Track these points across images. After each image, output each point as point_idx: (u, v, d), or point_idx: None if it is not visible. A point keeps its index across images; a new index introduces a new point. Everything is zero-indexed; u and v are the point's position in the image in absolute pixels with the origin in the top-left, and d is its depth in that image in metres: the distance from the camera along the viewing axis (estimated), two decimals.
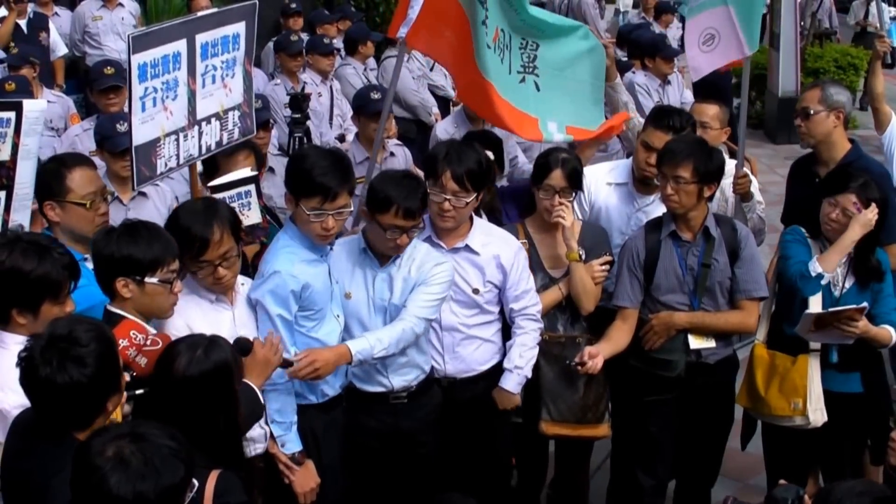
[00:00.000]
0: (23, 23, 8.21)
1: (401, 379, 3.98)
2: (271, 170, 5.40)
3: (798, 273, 4.20)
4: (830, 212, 4.22)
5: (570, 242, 4.23)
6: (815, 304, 4.19)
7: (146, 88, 3.77)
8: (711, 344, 4.26)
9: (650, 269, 4.22)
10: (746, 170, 5.07)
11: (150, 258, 3.17)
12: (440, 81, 9.02)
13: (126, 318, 3.17)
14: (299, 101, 6.71)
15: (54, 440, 2.62)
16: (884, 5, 9.27)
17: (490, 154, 4.48)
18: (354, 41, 8.53)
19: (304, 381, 3.73)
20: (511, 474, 4.62)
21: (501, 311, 4.23)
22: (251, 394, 3.26)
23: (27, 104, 3.65)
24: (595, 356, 4.07)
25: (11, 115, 3.55)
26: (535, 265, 4.31)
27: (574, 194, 4.32)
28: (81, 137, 5.73)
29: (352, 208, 3.70)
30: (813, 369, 4.26)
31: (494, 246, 4.11)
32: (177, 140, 4.01)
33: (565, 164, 4.24)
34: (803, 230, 4.37)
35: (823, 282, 4.19)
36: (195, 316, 3.47)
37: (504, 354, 4.22)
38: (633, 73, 8.28)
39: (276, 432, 3.67)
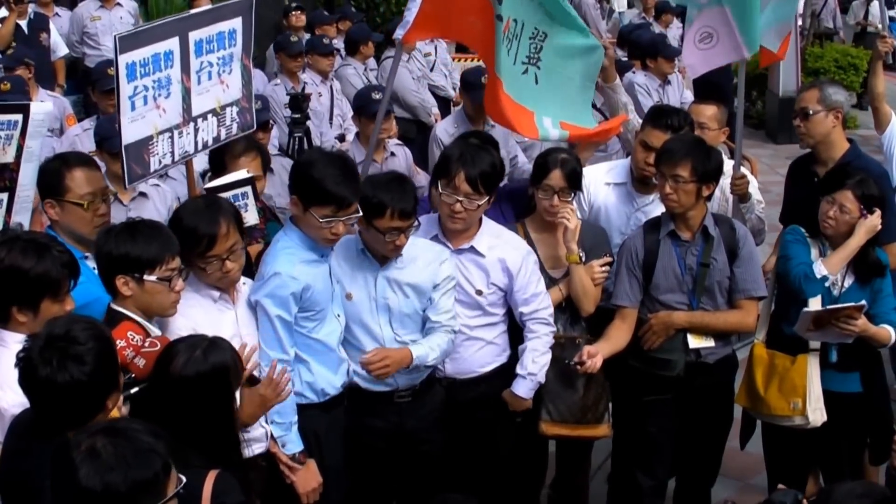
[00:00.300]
0: (23, 23, 8.21)
1: (405, 377, 3.98)
2: (271, 170, 5.40)
3: (802, 274, 4.21)
4: (828, 210, 4.23)
5: (570, 244, 4.23)
6: (815, 304, 4.20)
7: (135, 87, 3.78)
8: (710, 343, 4.26)
9: (649, 268, 4.22)
10: (745, 170, 5.07)
11: (148, 256, 3.18)
12: (440, 81, 9.04)
13: (123, 320, 3.17)
14: (299, 102, 6.72)
15: (52, 440, 2.61)
16: (884, 5, 9.28)
17: None
18: (355, 41, 8.54)
19: (304, 381, 3.77)
20: (514, 475, 4.62)
21: (509, 313, 4.23)
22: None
23: (34, 107, 3.67)
24: (594, 356, 4.07)
25: (19, 117, 3.57)
26: None
27: (573, 195, 4.32)
28: (81, 138, 5.72)
29: (360, 213, 3.72)
30: (812, 369, 4.26)
31: (501, 249, 4.11)
32: (171, 137, 4.03)
33: (564, 164, 4.24)
34: (802, 230, 4.38)
35: (827, 284, 4.20)
36: (199, 316, 3.48)
37: (508, 357, 4.23)
38: (633, 73, 8.28)
39: (275, 433, 3.67)
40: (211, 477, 2.77)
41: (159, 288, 3.21)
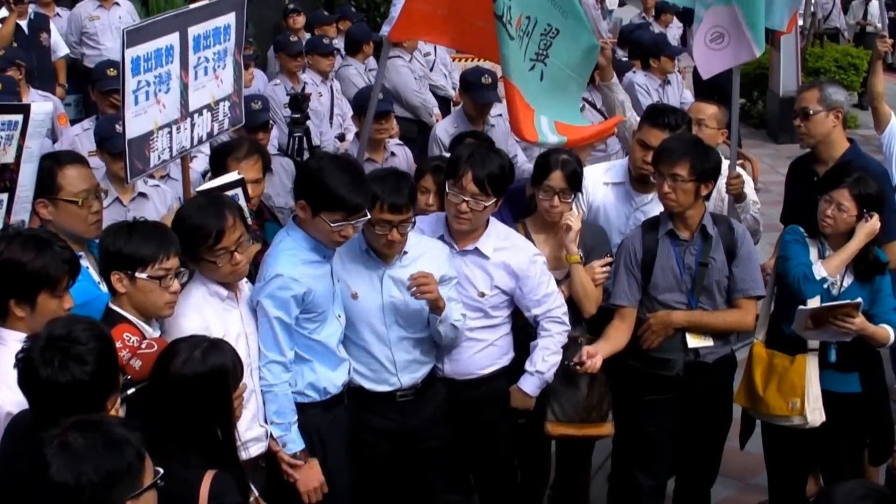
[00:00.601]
0: (23, 23, 8.21)
1: (409, 377, 3.99)
2: (270, 170, 5.40)
3: (801, 275, 4.21)
4: (826, 209, 4.23)
5: (571, 245, 4.23)
6: (813, 304, 4.20)
7: (139, 82, 3.80)
8: (709, 343, 4.26)
9: (648, 267, 4.22)
10: (740, 170, 5.08)
11: (141, 253, 3.19)
12: (440, 81, 9.03)
13: (120, 322, 3.18)
14: (299, 102, 6.72)
15: None
16: (883, 4, 9.27)
17: None
18: (356, 41, 8.54)
19: (307, 380, 3.78)
20: (515, 475, 4.62)
21: (513, 315, 4.23)
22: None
23: (35, 107, 3.67)
24: (593, 356, 4.07)
25: (19, 118, 3.57)
26: None
27: (573, 195, 4.32)
28: (81, 138, 5.73)
29: (369, 216, 3.73)
30: (811, 369, 4.26)
31: (508, 252, 4.11)
32: (170, 133, 4.05)
33: (565, 165, 4.24)
34: (802, 229, 4.38)
35: (826, 285, 4.20)
36: (210, 315, 3.49)
37: (512, 360, 4.23)
38: (634, 73, 8.29)
39: (275, 434, 3.68)
40: (208, 477, 2.77)
41: (151, 286, 3.22)
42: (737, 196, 4.95)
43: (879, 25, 6.81)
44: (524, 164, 5.95)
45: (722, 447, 4.52)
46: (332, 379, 3.85)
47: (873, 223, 4.19)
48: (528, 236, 4.35)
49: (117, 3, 9.03)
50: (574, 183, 4.26)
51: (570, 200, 4.27)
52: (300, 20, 9.37)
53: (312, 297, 3.70)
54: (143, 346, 3.09)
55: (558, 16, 4.66)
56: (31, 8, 8.50)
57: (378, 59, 8.71)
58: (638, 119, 5.12)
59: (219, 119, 4.36)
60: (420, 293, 3.78)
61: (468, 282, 4.08)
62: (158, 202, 4.88)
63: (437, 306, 3.86)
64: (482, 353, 4.17)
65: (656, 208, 4.40)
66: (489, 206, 4.01)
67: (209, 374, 2.90)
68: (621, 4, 15.22)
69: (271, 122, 6.14)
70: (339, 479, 3.87)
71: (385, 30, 4.90)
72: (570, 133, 4.73)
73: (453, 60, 9.72)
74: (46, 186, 3.72)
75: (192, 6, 4.17)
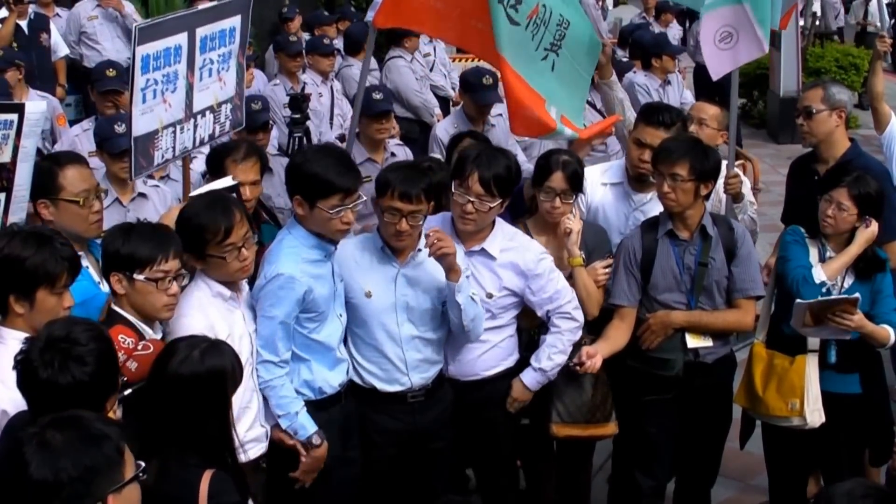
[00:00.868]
0: (23, 23, 8.20)
1: (419, 376, 3.99)
2: (270, 170, 5.40)
3: (800, 277, 4.21)
4: (826, 209, 4.23)
5: (573, 248, 4.22)
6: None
7: (147, 80, 3.82)
8: (709, 343, 4.25)
9: (647, 267, 4.21)
10: (738, 170, 5.07)
11: (139, 255, 3.20)
12: (440, 81, 9.04)
13: (117, 324, 3.18)
14: (299, 102, 6.71)
15: None
16: (883, 4, 9.25)
17: None
18: (356, 41, 8.54)
19: (303, 378, 3.78)
20: (517, 476, 4.61)
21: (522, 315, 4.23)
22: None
23: (29, 106, 3.67)
24: (593, 356, 4.07)
25: (14, 116, 3.57)
26: None
27: (575, 196, 4.31)
28: (80, 138, 5.72)
29: (364, 198, 3.78)
30: (811, 370, 4.25)
31: (515, 252, 4.10)
32: (174, 132, 4.06)
33: (566, 165, 4.23)
34: (802, 230, 4.37)
35: (824, 289, 4.20)
36: (215, 315, 3.50)
37: (517, 361, 4.23)
38: (634, 73, 8.28)
39: (283, 425, 3.68)
40: (207, 476, 2.77)
41: (149, 288, 3.22)
42: (735, 196, 4.94)
43: (879, 24, 6.81)
44: (524, 164, 5.93)
45: (722, 448, 4.52)
46: (329, 379, 3.84)
47: (872, 229, 4.20)
48: (529, 237, 4.34)
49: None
50: (575, 183, 4.25)
51: (571, 201, 4.27)
52: (295, 23, 9.41)
53: (313, 297, 3.70)
54: (140, 347, 3.09)
55: (568, 8, 4.67)
56: (31, 8, 8.47)
57: (379, 60, 8.79)
58: None
59: (220, 121, 4.38)
60: (437, 250, 3.75)
61: (476, 283, 4.06)
62: (158, 202, 4.88)
63: (452, 269, 3.83)
64: (487, 355, 4.16)
65: (655, 207, 4.40)
66: (495, 206, 4.01)
67: (207, 374, 2.90)
68: (616, 5, 15.24)
69: (271, 122, 6.13)
70: (335, 477, 3.86)
71: (370, 15, 4.88)
72: (568, 126, 4.72)
73: (453, 61, 9.74)
74: (47, 187, 3.73)
75: (201, 7, 4.18)
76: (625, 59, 8.54)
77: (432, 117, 8.24)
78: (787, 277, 4.28)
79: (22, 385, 2.65)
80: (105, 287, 3.45)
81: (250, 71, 7.59)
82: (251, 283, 3.77)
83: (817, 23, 14.08)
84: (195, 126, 4.19)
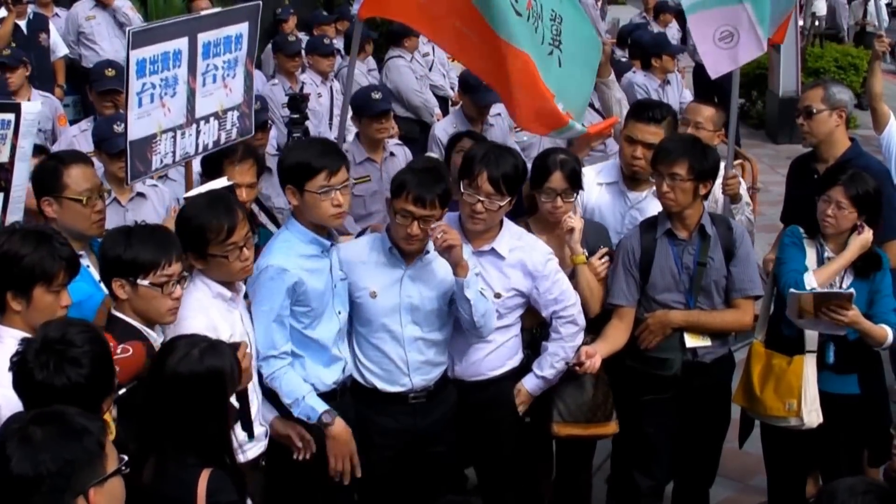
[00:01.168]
0: (22, 23, 8.19)
1: (421, 378, 3.99)
2: (269, 170, 5.40)
3: (792, 282, 4.20)
4: (825, 208, 4.23)
5: (576, 246, 4.22)
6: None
7: (143, 84, 3.81)
8: (707, 343, 4.25)
9: (646, 267, 4.21)
10: (736, 171, 5.07)
11: (142, 260, 3.17)
12: (439, 81, 9.04)
13: (109, 329, 3.16)
14: (297, 102, 6.71)
15: None
16: (882, 4, 9.25)
17: None
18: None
19: (295, 373, 3.76)
20: (518, 476, 4.60)
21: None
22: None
23: (25, 106, 3.68)
24: (592, 356, 4.07)
25: (11, 116, 3.58)
26: None
27: (575, 194, 4.31)
28: (79, 138, 5.71)
29: (353, 180, 3.77)
30: (808, 370, 4.25)
31: (522, 252, 4.10)
32: (174, 137, 4.05)
33: (564, 165, 4.22)
34: (801, 230, 4.37)
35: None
36: (216, 316, 3.49)
37: (521, 360, 4.23)
38: (633, 73, 8.28)
39: (295, 413, 3.69)
40: (205, 475, 2.77)
41: (153, 293, 3.20)
42: (732, 197, 4.94)
43: (877, 24, 6.80)
44: None
45: (720, 447, 4.52)
46: (322, 377, 3.84)
47: (866, 235, 4.20)
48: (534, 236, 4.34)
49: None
50: (575, 182, 4.24)
51: (572, 200, 4.26)
52: (290, 24, 9.41)
53: (304, 289, 3.70)
54: (119, 351, 3.05)
55: (558, 3, 4.64)
56: (30, 8, 8.47)
57: (378, 60, 8.79)
58: None
59: (226, 128, 4.35)
60: (442, 242, 3.74)
61: (484, 283, 4.04)
62: (157, 202, 4.87)
63: (459, 263, 3.81)
64: (493, 355, 4.16)
65: (651, 206, 4.40)
66: (504, 205, 4.01)
67: (205, 374, 2.89)
68: (611, 2, 15.24)
69: (270, 122, 6.13)
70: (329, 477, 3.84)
71: (355, 8, 4.87)
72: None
73: (451, 60, 9.72)
74: (52, 185, 3.75)
75: (203, 13, 4.17)
76: (624, 59, 8.54)
77: (432, 117, 8.24)
78: (780, 281, 4.30)
79: (17, 387, 2.65)
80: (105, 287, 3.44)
81: None
82: None
83: (823, 23, 14.10)
84: (198, 132, 4.18)
